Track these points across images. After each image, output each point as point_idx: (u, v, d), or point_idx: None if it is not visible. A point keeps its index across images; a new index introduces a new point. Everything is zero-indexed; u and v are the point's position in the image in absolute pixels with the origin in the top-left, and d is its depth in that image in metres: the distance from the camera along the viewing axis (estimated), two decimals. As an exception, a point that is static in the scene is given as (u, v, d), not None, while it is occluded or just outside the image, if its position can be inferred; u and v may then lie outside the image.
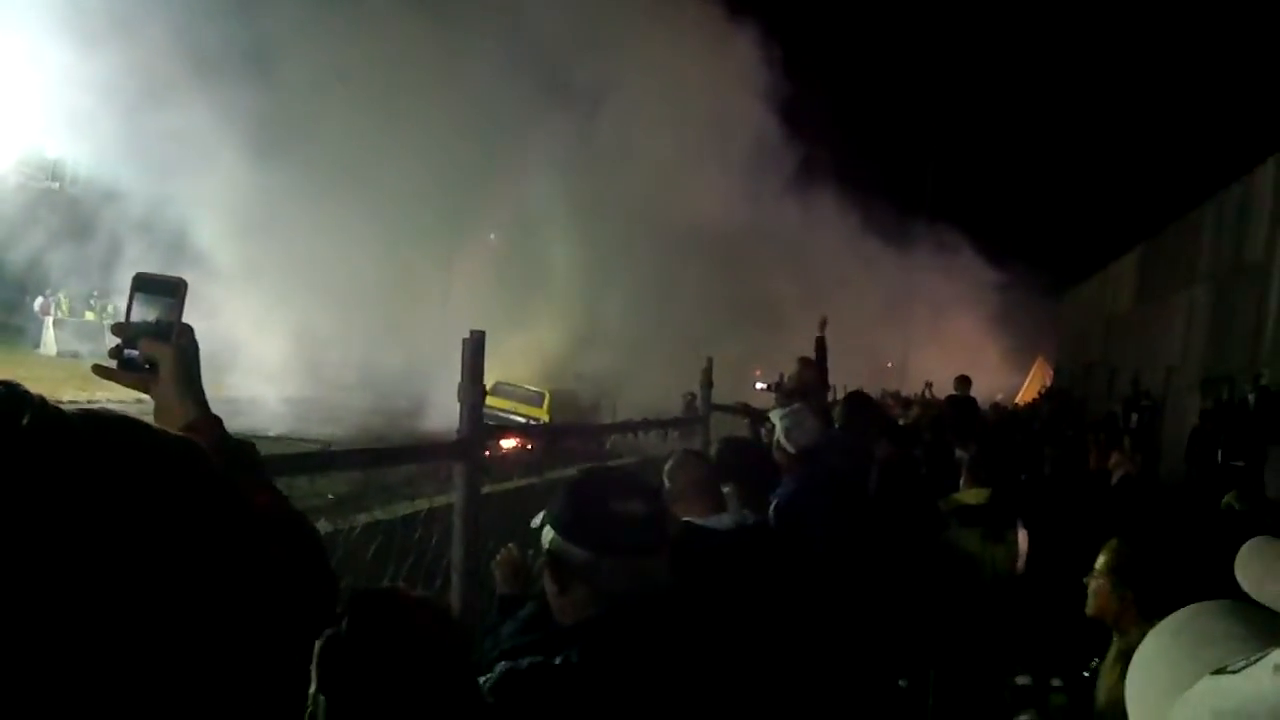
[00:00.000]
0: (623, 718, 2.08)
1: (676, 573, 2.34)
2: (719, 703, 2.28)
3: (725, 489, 3.97)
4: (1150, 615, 2.55)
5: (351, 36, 33.80)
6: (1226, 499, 6.72)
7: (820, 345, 9.61)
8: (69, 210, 32.16)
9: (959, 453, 7.45)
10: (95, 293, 35.33)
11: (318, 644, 1.76)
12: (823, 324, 9.94)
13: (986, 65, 62.40)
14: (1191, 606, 1.14)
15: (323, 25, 33.03)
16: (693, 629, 2.35)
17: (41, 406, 1.29)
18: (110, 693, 1.22)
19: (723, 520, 3.78)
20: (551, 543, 2.30)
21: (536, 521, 2.40)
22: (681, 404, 25.35)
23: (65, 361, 27.80)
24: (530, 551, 3.03)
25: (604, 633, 2.16)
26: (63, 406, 1.34)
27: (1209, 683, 0.97)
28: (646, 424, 8.59)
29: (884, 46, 63.98)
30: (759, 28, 45.78)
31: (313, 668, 1.76)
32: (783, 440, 5.10)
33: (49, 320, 32.36)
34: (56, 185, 37.45)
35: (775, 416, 5.39)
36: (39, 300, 31.50)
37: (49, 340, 31.68)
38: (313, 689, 1.74)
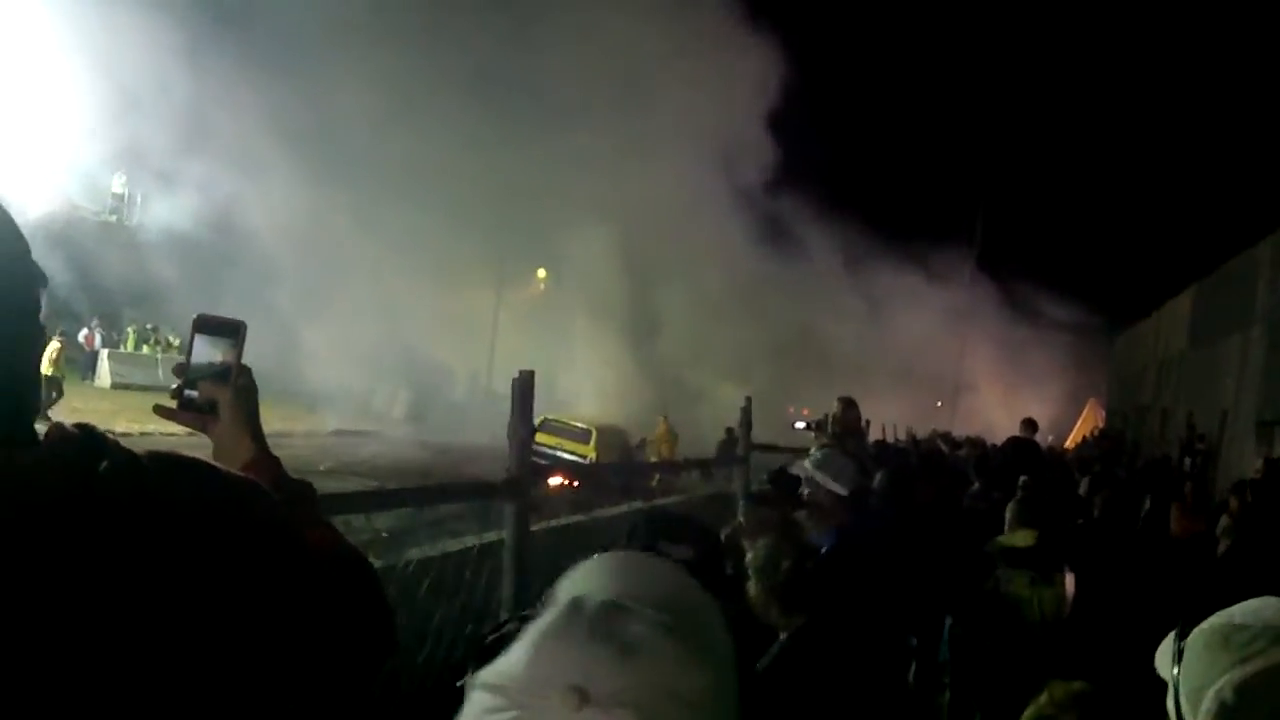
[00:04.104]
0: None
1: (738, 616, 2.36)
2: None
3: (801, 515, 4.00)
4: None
5: (407, 64, 34.20)
6: None
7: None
8: (127, 243, 32.68)
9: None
10: (149, 325, 35.85)
11: (471, 667, 1.80)
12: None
13: (1040, 102, 62.21)
14: (605, 555, 1.15)
15: (381, 52, 33.46)
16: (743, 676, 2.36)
17: (116, 450, 1.34)
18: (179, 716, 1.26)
19: None
20: None
21: None
22: (718, 442, 25.47)
23: (119, 394, 28.16)
24: None
25: None
26: (131, 445, 1.39)
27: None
28: (689, 464, 8.62)
29: (938, 86, 63.94)
30: (811, 66, 45.96)
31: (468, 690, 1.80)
32: (831, 483, 5.04)
33: (105, 352, 32.77)
34: (115, 219, 38.11)
35: (811, 462, 5.34)
36: (83, 332, 31.89)
37: (103, 371, 32.07)
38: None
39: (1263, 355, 19.46)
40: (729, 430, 25.35)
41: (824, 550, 4.45)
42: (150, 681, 1.24)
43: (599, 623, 0.93)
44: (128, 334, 35.70)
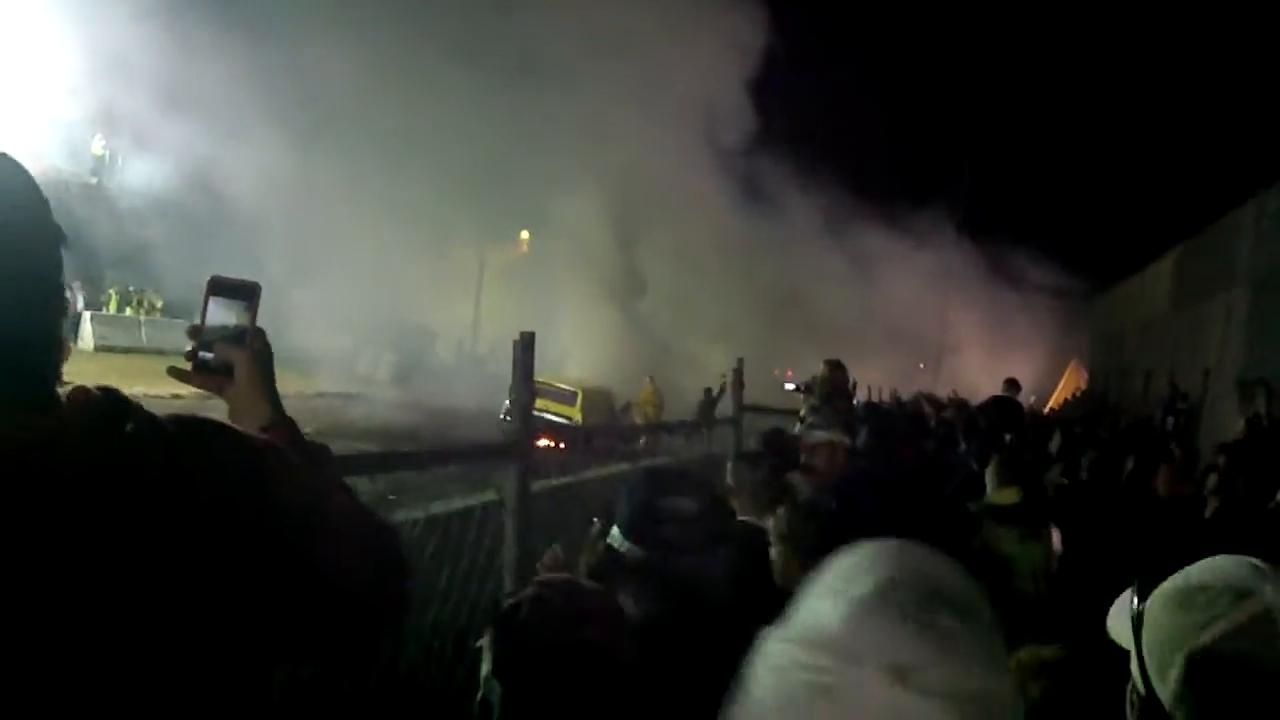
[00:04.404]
0: (677, 714, 2.10)
1: (733, 575, 2.37)
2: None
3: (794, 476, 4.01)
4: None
5: (389, 27, 33.96)
6: None
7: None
8: (109, 205, 32.43)
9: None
10: (132, 287, 35.64)
11: (490, 630, 1.83)
12: None
13: (1023, 65, 62.06)
14: (879, 541, 1.17)
15: (364, 15, 33.22)
16: (745, 629, 2.38)
17: (140, 414, 1.35)
18: (203, 669, 1.28)
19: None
20: (613, 539, 2.36)
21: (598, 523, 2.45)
22: (698, 403, 25.52)
23: (103, 356, 28.03)
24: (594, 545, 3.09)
25: (660, 630, 2.19)
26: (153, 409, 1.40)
27: (814, 600, 1.04)
28: (682, 425, 8.62)
29: (922, 48, 63.71)
30: (795, 24, 45.77)
31: (486, 651, 1.83)
32: (848, 440, 5.03)
33: (88, 314, 32.59)
34: (95, 180, 37.80)
35: (818, 428, 5.34)
36: (65, 294, 31.68)
37: (86, 334, 31.90)
38: (486, 671, 1.80)
39: (1245, 316, 19.56)
40: (707, 391, 25.52)
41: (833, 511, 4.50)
42: (178, 642, 1.25)
43: (920, 609, 0.95)
44: (110, 296, 35.48)
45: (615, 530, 2.39)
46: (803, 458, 5.24)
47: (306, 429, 1.78)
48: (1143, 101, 60.99)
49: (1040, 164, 60.94)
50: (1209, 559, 1.72)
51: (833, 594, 1.00)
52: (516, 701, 1.76)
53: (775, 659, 0.96)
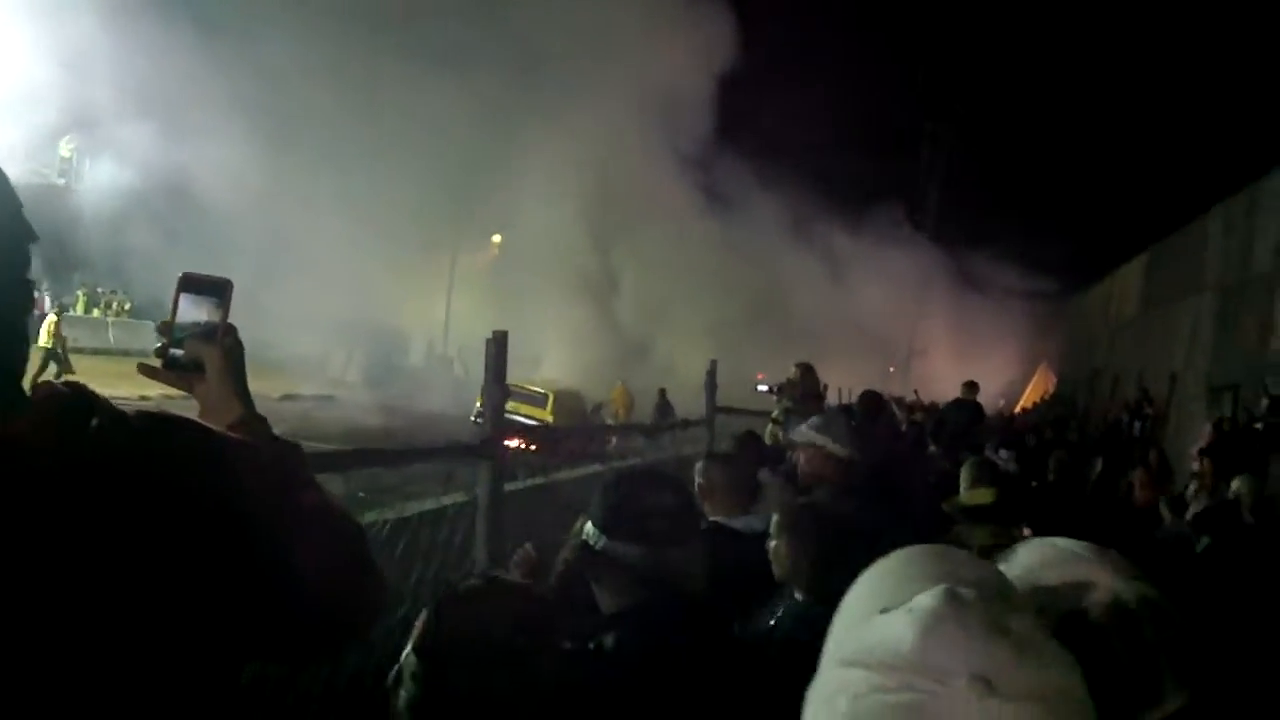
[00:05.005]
0: (653, 702, 2.12)
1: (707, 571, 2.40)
2: (740, 696, 2.32)
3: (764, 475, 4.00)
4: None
5: (359, 30, 33.94)
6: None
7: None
8: (76, 206, 32.24)
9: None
10: (100, 289, 35.46)
11: (424, 613, 1.84)
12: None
13: (992, 65, 62.39)
14: (912, 547, 1.17)
15: (334, 18, 33.19)
16: (722, 626, 2.41)
17: (106, 408, 1.33)
18: (166, 666, 1.26)
19: (752, 524, 3.82)
20: (588, 534, 2.38)
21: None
22: (654, 405, 25.61)
23: (71, 357, 27.78)
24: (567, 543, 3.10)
25: (637, 621, 2.23)
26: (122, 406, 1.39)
27: (866, 620, 1.01)
28: (655, 426, 8.63)
29: (897, 49, 63.94)
30: (764, 24, 45.94)
31: (414, 630, 1.83)
32: (831, 445, 5.01)
33: (52, 315, 32.38)
34: (63, 181, 37.56)
35: (810, 426, 5.30)
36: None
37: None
38: (407, 649, 1.81)
39: (1213, 321, 19.76)
40: (662, 391, 25.60)
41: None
42: (143, 637, 1.24)
43: (988, 614, 0.94)
44: (78, 297, 35.28)
45: (589, 526, 2.40)
46: (796, 457, 5.20)
47: (277, 430, 1.76)
48: (1112, 108, 61.52)
49: (1012, 168, 61.27)
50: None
51: (893, 610, 0.99)
52: (429, 683, 1.78)
53: (852, 687, 0.94)
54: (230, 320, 1.76)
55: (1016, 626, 0.94)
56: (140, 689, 1.24)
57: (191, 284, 1.75)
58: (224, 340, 1.73)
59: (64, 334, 26.66)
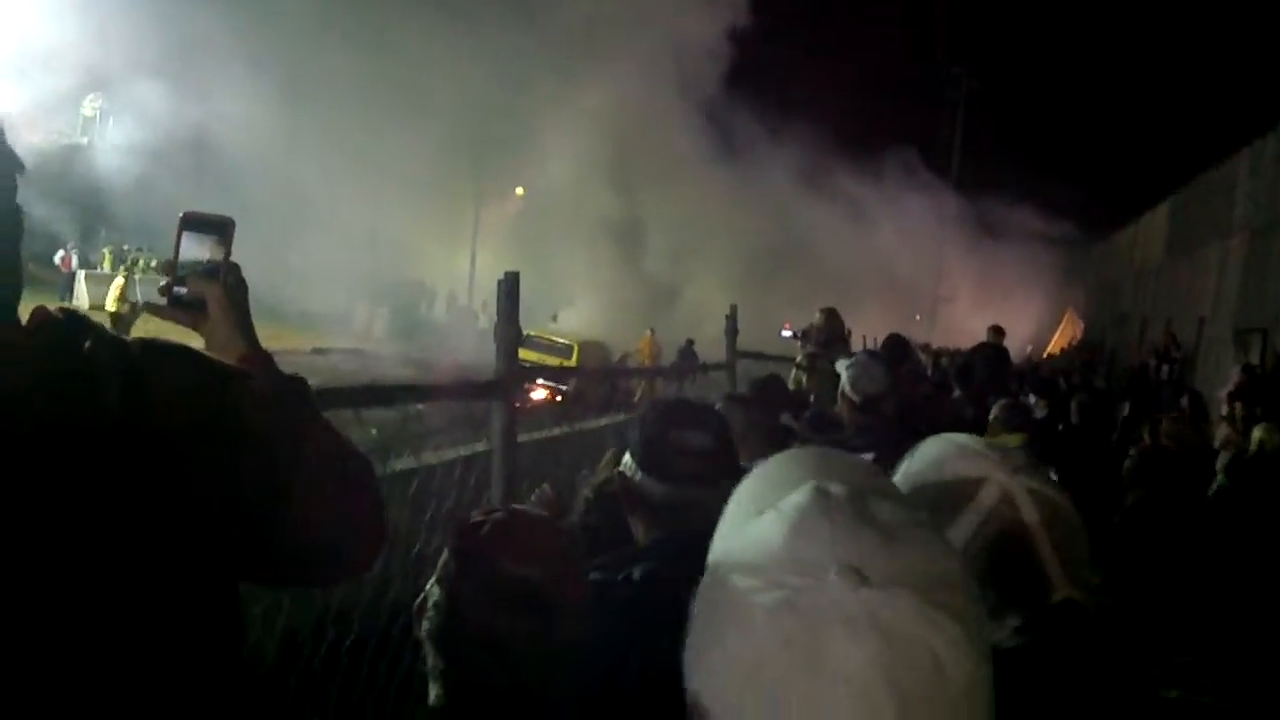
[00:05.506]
0: (675, 635, 2.11)
1: None
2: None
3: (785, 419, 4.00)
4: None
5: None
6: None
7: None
8: (100, 165, 32.34)
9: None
10: (126, 247, 35.61)
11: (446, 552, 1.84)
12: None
13: (1015, 6, 61.57)
14: (788, 451, 1.16)
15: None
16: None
17: (100, 331, 1.34)
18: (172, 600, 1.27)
19: None
20: (626, 465, 2.40)
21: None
22: (678, 350, 25.60)
23: (96, 314, 27.96)
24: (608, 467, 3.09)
25: (664, 554, 2.21)
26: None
27: (741, 527, 1.00)
28: (676, 369, 8.60)
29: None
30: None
31: (440, 564, 1.84)
32: (848, 389, 4.99)
33: (82, 273, 32.57)
34: (86, 141, 37.66)
35: (841, 365, 5.27)
36: (59, 254, 31.73)
37: (81, 292, 31.86)
38: (431, 580, 1.82)
39: (1240, 264, 19.55)
40: (690, 342, 25.57)
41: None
42: (139, 564, 1.25)
43: (855, 507, 0.93)
44: (104, 255, 35.46)
45: (628, 458, 2.40)
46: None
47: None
48: (1138, 50, 60.61)
49: (1038, 113, 60.64)
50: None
51: (764, 511, 0.98)
52: (451, 612, 1.78)
53: (726, 590, 0.94)
54: (233, 259, 1.76)
55: (885, 515, 0.93)
56: (130, 619, 1.24)
57: (193, 222, 1.75)
58: (226, 278, 1.74)
59: (132, 298, 26.40)
